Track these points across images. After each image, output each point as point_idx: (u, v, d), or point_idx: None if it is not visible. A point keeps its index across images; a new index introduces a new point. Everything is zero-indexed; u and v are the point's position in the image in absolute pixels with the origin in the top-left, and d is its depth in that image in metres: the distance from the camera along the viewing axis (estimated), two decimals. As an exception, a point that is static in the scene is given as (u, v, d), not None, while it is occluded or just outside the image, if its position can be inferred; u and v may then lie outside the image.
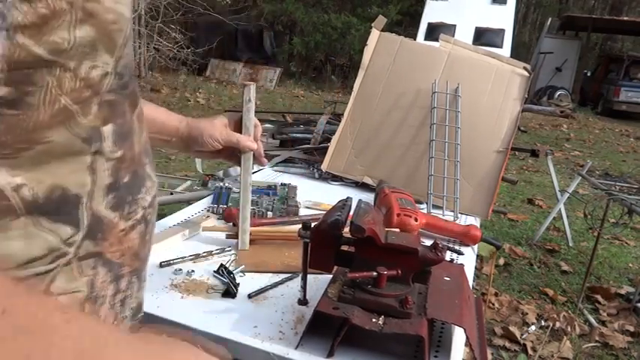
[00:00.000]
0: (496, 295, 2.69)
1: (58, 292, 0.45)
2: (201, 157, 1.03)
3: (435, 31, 7.69)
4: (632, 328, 2.48)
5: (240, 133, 0.97)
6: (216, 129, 0.95)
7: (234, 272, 0.89)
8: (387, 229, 0.81)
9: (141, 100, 0.54)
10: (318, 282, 0.88)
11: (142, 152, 0.53)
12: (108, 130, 0.46)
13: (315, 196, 1.36)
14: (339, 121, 1.59)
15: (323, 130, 1.71)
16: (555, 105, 10.36)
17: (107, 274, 0.49)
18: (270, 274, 0.91)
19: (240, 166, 0.99)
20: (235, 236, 1.01)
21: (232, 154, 1.00)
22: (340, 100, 2.20)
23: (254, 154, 0.99)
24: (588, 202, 2.87)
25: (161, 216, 1.18)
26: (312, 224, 0.77)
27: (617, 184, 3.06)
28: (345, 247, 0.76)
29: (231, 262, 0.95)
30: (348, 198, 0.82)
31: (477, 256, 1.24)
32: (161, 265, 0.90)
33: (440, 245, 0.72)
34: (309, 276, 0.80)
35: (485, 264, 3.00)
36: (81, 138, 0.43)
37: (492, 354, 2.19)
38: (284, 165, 1.65)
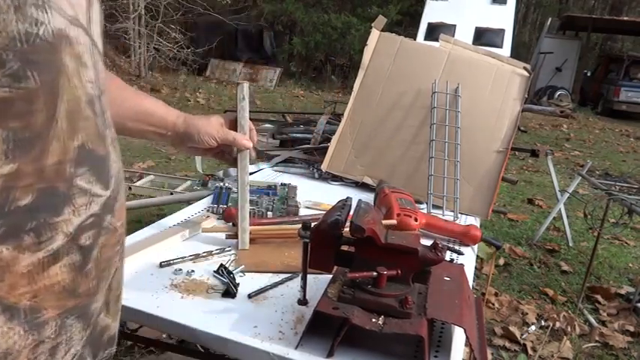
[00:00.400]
0: (496, 295, 2.69)
1: None
2: (194, 154, 1.04)
3: (435, 31, 7.70)
4: (632, 328, 2.48)
5: (236, 132, 0.97)
6: (213, 127, 0.95)
7: (234, 272, 0.89)
8: (386, 222, 0.81)
9: (81, 96, 0.43)
10: (318, 282, 0.88)
11: (70, 162, 0.42)
12: None
13: (315, 196, 1.36)
14: (339, 121, 1.59)
15: (323, 130, 1.71)
16: (555, 105, 10.36)
17: (11, 322, 0.39)
18: (270, 274, 0.91)
19: (231, 164, 1.00)
20: (235, 236, 1.01)
21: (224, 152, 1.00)
22: (340, 100, 2.20)
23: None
24: (588, 202, 2.87)
25: (161, 216, 1.18)
26: (312, 224, 0.77)
27: (617, 184, 3.06)
28: (345, 247, 0.76)
29: (231, 262, 0.95)
30: (348, 198, 0.82)
31: (477, 256, 1.24)
32: (161, 265, 0.90)
33: (440, 245, 0.72)
34: (309, 276, 0.80)
35: (485, 264, 3.00)
36: None
37: (492, 354, 2.19)
38: (284, 165, 1.65)
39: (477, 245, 1.18)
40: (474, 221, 1.34)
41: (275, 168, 1.63)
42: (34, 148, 0.38)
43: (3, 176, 0.36)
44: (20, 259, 0.38)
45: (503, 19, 8.45)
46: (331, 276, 0.78)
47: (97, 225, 0.45)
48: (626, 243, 3.74)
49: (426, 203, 1.36)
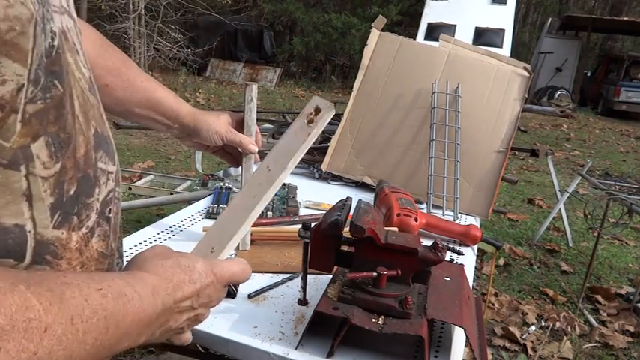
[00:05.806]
0: (496, 295, 2.69)
1: None
2: (196, 149, 1.04)
3: (435, 31, 7.67)
4: (632, 328, 2.48)
5: (241, 132, 0.97)
6: (222, 126, 0.95)
7: (234, 272, 0.89)
8: (387, 228, 0.81)
9: (85, 86, 0.47)
10: (318, 282, 0.88)
11: (92, 149, 0.48)
12: (39, 145, 0.40)
13: (315, 196, 1.36)
14: (339, 121, 1.59)
15: (323, 130, 1.71)
16: (555, 105, 10.35)
17: None
18: (270, 274, 0.91)
19: (232, 163, 1.00)
20: (235, 236, 1.01)
21: (225, 151, 1.00)
22: (340, 100, 2.20)
23: None
24: (588, 202, 2.87)
25: (161, 216, 1.18)
26: (312, 224, 0.77)
27: (617, 184, 3.05)
28: (345, 247, 0.76)
29: (231, 262, 0.95)
30: (348, 198, 0.82)
31: (477, 256, 1.24)
32: (161, 265, 0.90)
33: (440, 245, 0.72)
34: (309, 276, 0.80)
35: (485, 264, 3.00)
36: (2, 165, 0.38)
37: (492, 354, 2.19)
38: (284, 165, 1.65)
39: (476, 245, 1.18)
40: (474, 221, 1.34)
41: (275, 168, 1.63)
42: (69, 145, 0.44)
43: (55, 174, 0.43)
44: (72, 238, 0.46)
45: (503, 19, 8.41)
46: (331, 276, 0.78)
47: (113, 198, 0.52)
48: (626, 243, 3.74)
49: (426, 203, 1.36)
